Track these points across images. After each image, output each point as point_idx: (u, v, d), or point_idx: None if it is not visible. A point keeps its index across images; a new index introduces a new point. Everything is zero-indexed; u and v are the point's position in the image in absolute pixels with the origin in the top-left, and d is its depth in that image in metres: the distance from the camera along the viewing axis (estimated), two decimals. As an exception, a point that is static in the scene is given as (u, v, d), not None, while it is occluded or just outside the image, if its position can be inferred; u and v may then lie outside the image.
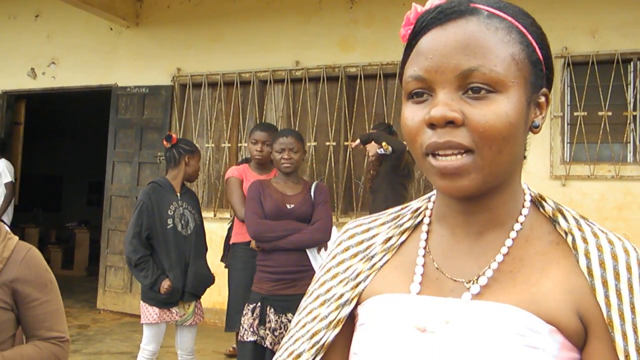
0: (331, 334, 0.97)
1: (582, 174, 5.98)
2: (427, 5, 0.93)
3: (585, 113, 5.97)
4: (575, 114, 6.02)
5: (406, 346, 0.88)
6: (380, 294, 0.96)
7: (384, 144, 4.79)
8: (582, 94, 5.97)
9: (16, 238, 1.96)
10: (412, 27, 0.92)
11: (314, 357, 0.97)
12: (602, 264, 0.85)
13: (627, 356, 0.81)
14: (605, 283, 0.84)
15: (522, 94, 0.87)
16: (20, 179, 9.02)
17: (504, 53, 0.85)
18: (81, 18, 8.02)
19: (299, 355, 0.97)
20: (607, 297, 0.83)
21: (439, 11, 0.88)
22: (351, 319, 0.99)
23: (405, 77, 0.90)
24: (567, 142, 6.11)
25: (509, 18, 0.88)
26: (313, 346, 0.97)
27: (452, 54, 0.85)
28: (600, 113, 5.90)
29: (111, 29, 8.12)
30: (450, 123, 0.83)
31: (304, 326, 1.00)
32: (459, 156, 0.84)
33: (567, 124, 6.11)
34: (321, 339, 0.97)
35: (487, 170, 0.85)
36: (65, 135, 14.71)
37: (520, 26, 0.88)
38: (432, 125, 0.84)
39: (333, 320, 0.97)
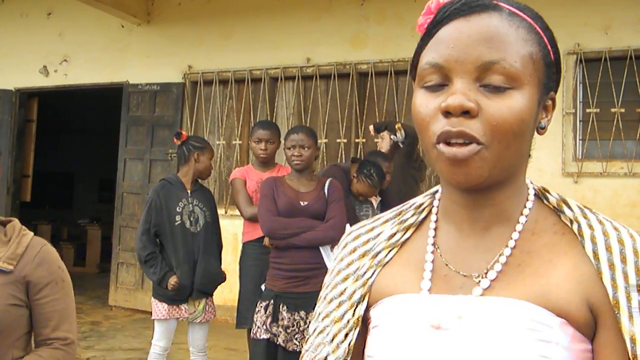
0: (354, 334, 0.97)
1: (594, 171, 5.95)
2: None
3: (598, 110, 5.93)
4: (588, 110, 5.98)
5: (421, 344, 0.89)
6: (391, 294, 0.96)
7: (397, 125, 4.75)
8: (595, 90, 5.93)
9: (31, 234, 1.95)
10: (431, 16, 0.92)
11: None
12: (608, 248, 0.86)
13: (632, 337, 0.81)
14: (611, 266, 0.85)
15: (535, 94, 0.88)
16: (32, 176, 9.08)
17: (524, 51, 0.86)
18: (93, 16, 8.05)
19: None
20: (613, 279, 0.84)
21: (463, 3, 0.88)
22: (364, 321, 1.00)
23: (421, 64, 0.90)
24: (580, 139, 6.07)
25: (529, 19, 0.90)
26: (337, 347, 0.97)
27: (474, 45, 0.85)
28: (613, 110, 5.86)
29: (123, 26, 8.15)
30: (465, 113, 0.84)
31: (322, 331, 1.00)
32: (469, 146, 0.84)
33: (580, 121, 6.07)
34: (344, 338, 0.97)
35: (494, 164, 0.86)
36: (76, 132, 14.77)
37: (538, 28, 0.90)
38: (447, 113, 0.85)
39: (351, 319, 0.98)
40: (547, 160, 5.87)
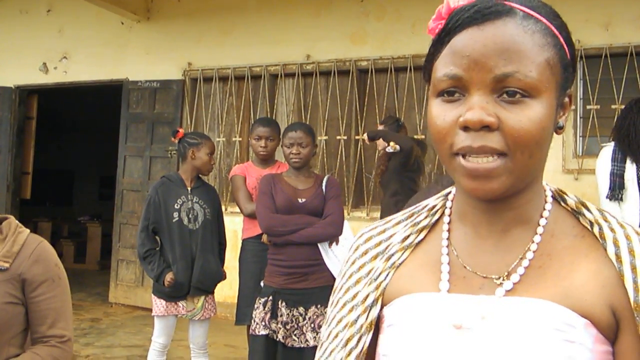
0: (367, 338, 0.96)
1: (594, 167, 5.93)
2: (458, 1, 0.90)
3: (598, 106, 5.92)
4: (588, 107, 5.97)
5: (442, 344, 0.88)
6: (407, 293, 0.95)
7: (391, 143, 4.79)
8: (595, 87, 5.92)
9: (27, 231, 1.95)
10: (442, 22, 0.89)
11: None
12: (631, 252, 0.85)
13: None
14: (634, 269, 0.84)
15: (553, 98, 0.86)
16: (32, 174, 9.09)
17: (540, 58, 0.84)
18: (92, 12, 8.04)
19: None
20: (635, 282, 0.83)
21: (476, 10, 0.85)
22: (376, 320, 0.98)
23: (437, 75, 0.88)
24: (580, 136, 6.06)
25: (544, 20, 0.87)
26: (350, 353, 0.95)
27: (489, 56, 0.83)
28: (613, 106, 5.85)
29: (122, 23, 8.14)
30: (485, 127, 0.83)
31: (336, 336, 0.98)
32: (490, 158, 0.83)
33: (580, 118, 6.06)
34: (357, 344, 0.95)
35: (517, 174, 0.85)
36: (76, 129, 14.77)
37: (553, 28, 0.88)
38: (465, 127, 0.83)
39: (364, 324, 0.96)
40: (548, 157, 5.84)
